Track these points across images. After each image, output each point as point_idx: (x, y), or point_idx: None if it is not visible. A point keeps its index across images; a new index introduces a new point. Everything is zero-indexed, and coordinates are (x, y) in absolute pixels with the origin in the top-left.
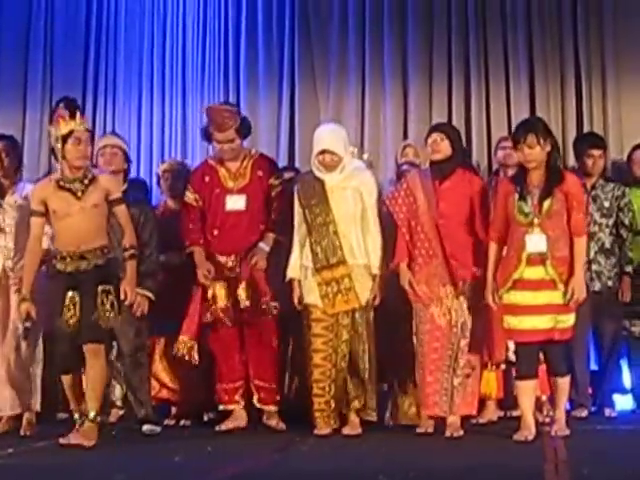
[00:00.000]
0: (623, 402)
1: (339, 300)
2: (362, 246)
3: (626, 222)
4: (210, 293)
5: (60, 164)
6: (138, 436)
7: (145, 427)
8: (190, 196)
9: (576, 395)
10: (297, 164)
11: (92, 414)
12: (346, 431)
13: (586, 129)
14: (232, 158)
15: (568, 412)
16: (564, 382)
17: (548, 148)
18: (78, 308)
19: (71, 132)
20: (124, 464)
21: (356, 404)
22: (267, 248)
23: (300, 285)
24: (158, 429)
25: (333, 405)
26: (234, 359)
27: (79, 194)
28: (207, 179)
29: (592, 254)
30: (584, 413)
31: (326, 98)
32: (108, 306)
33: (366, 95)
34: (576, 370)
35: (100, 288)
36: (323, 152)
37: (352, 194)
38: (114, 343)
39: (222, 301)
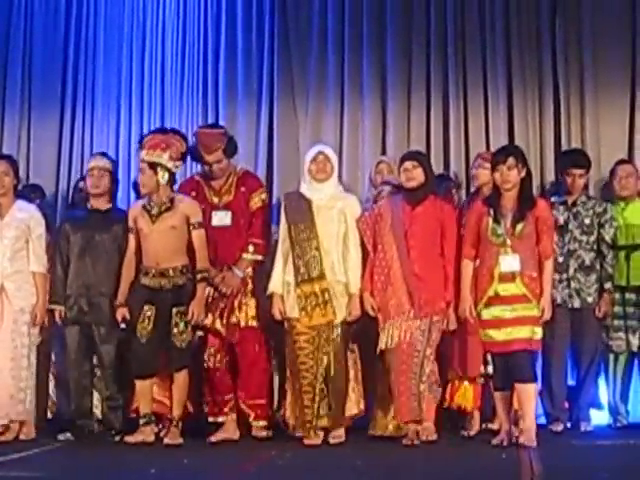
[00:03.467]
0: (599, 417)
1: (317, 313)
2: (342, 265)
3: (607, 239)
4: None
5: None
6: (117, 446)
7: (117, 437)
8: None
9: (552, 409)
10: (275, 180)
11: (176, 419)
12: (330, 440)
13: (564, 146)
14: (220, 176)
15: (544, 426)
16: (531, 388)
17: (523, 174)
18: (152, 322)
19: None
20: (100, 475)
21: (327, 422)
22: (241, 274)
23: (282, 299)
24: (133, 439)
25: (315, 414)
26: (224, 373)
27: (154, 217)
28: (193, 194)
29: (572, 271)
30: (560, 427)
31: (305, 114)
32: (182, 327)
33: (345, 112)
34: (553, 384)
35: (175, 310)
36: (319, 153)
37: (337, 215)
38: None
39: (208, 320)
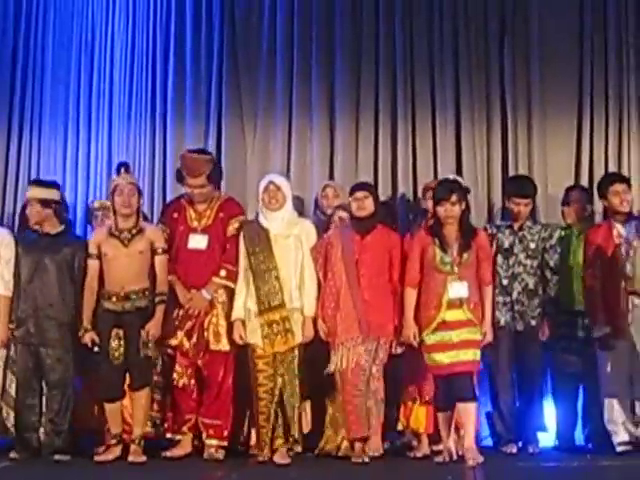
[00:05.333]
0: (545, 439)
1: (278, 341)
2: (299, 290)
3: (551, 264)
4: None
5: (113, 216)
6: (58, 465)
7: (57, 456)
8: (162, 228)
9: (503, 431)
10: None
11: (138, 437)
12: (277, 459)
13: (512, 171)
14: (202, 201)
15: (494, 447)
16: (472, 407)
17: (463, 207)
18: (123, 345)
19: (116, 186)
20: None
21: (280, 442)
22: (208, 296)
23: (244, 325)
24: (68, 457)
25: (271, 434)
26: (189, 393)
27: (127, 241)
28: (175, 215)
29: (515, 295)
30: (514, 449)
31: (253, 135)
32: (144, 346)
33: (292, 135)
34: (501, 406)
35: (143, 332)
36: (270, 183)
37: (294, 242)
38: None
39: (175, 340)
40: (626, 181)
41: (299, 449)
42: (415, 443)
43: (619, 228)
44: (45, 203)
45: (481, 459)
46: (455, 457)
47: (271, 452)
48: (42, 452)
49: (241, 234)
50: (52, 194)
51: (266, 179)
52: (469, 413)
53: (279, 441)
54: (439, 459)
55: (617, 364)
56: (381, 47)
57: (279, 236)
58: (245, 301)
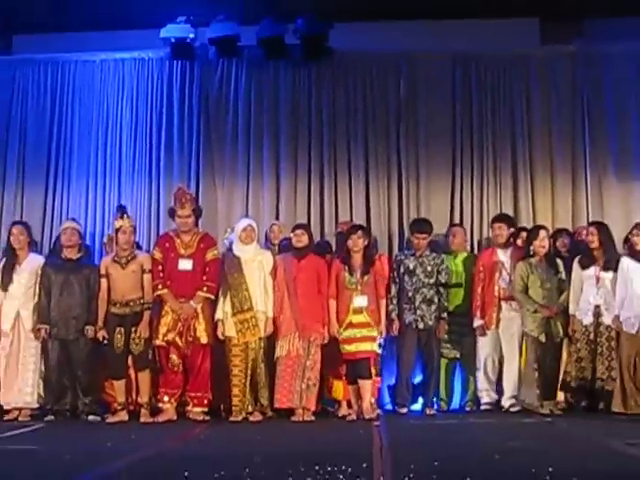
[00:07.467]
0: (436, 404)
1: (249, 333)
2: (262, 299)
3: (442, 281)
4: (164, 326)
5: (116, 247)
6: (83, 425)
7: (91, 417)
8: (157, 254)
9: (400, 398)
10: None
11: (145, 404)
12: (252, 419)
13: (405, 214)
14: (186, 231)
15: (393, 410)
16: (368, 383)
17: (367, 242)
18: (124, 338)
19: (121, 227)
20: (70, 448)
21: (251, 408)
22: (195, 306)
23: (223, 323)
24: (99, 418)
25: (243, 402)
26: (177, 372)
27: (124, 265)
28: (167, 245)
29: (417, 303)
30: (405, 410)
31: (221, 188)
32: (138, 340)
33: (250, 188)
34: (402, 381)
35: (133, 329)
36: (248, 225)
37: (258, 265)
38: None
39: (170, 337)
40: (502, 220)
41: (269, 412)
42: (336, 407)
43: (499, 253)
44: (74, 231)
45: (375, 414)
46: (362, 416)
47: (246, 415)
48: (77, 415)
49: (222, 260)
50: (77, 227)
51: (245, 222)
52: (366, 386)
53: (251, 407)
54: (350, 418)
55: (486, 347)
56: (313, 131)
57: (248, 261)
58: (223, 306)
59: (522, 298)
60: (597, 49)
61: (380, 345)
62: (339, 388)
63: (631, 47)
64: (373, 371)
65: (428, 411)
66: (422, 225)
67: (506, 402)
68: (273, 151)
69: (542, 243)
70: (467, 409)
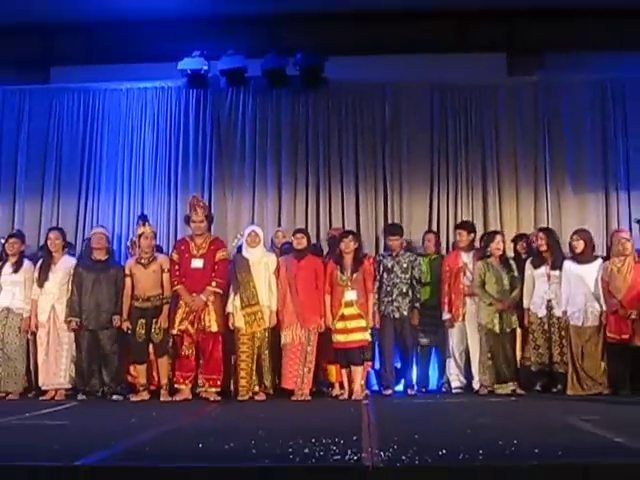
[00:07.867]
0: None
1: (255, 325)
2: (267, 295)
3: (416, 277)
4: (179, 317)
5: (138, 250)
6: (118, 403)
7: (115, 396)
8: (175, 256)
9: (385, 381)
10: None
11: (165, 385)
12: (257, 398)
13: (389, 220)
14: (199, 235)
15: (379, 391)
16: (359, 369)
17: (356, 245)
18: (145, 329)
19: (143, 233)
20: (99, 423)
21: (257, 388)
22: (204, 298)
23: (233, 316)
24: (122, 397)
25: (250, 384)
26: (190, 357)
27: (146, 265)
28: (183, 247)
29: (394, 296)
30: (390, 391)
31: (231, 200)
32: (158, 330)
33: (255, 199)
34: (386, 366)
35: (154, 321)
36: (252, 231)
37: (264, 266)
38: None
39: (184, 326)
40: (463, 227)
41: (271, 392)
42: (330, 388)
43: (462, 255)
44: (102, 235)
45: (364, 395)
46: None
47: (252, 395)
48: (104, 394)
49: (233, 262)
50: (105, 232)
51: (250, 228)
52: (357, 372)
53: (256, 388)
54: (342, 397)
55: (454, 337)
56: (310, 150)
57: (255, 262)
58: (233, 301)
59: (480, 292)
60: (557, 79)
61: (371, 333)
62: (333, 371)
63: (587, 78)
64: (366, 356)
65: (409, 392)
66: (394, 228)
67: (476, 385)
68: (275, 167)
69: (497, 246)
70: (443, 390)
